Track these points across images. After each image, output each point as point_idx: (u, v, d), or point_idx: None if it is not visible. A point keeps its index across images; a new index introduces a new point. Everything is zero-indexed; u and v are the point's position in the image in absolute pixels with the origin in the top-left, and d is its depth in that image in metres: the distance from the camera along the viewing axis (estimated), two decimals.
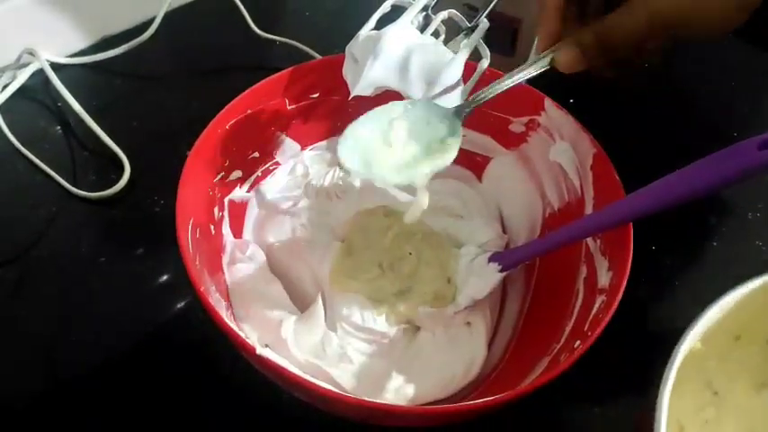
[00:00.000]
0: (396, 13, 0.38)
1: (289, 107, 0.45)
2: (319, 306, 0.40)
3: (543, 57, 0.36)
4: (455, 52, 0.37)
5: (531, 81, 0.37)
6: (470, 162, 0.49)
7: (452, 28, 0.39)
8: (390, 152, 0.34)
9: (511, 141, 0.47)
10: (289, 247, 0.44)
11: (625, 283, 0.34)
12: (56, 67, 0.60)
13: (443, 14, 0.38)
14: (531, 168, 0.46)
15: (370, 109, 0.35)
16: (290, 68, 0.44)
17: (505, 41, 0.55)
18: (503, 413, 0.32)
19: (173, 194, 0.36)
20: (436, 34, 0.38)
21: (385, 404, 0.35)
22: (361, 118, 0.34)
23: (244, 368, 0.36)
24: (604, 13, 0.35)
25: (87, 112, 0.56)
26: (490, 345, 0.42)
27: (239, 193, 0.45)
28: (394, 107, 0.35)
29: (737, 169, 0.29)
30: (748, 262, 0.50)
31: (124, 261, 0.48)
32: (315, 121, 0.48)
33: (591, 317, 0.35)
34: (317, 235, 0.44)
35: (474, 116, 0.46)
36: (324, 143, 0.49)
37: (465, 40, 0.39)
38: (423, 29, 0.38)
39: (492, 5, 0.39)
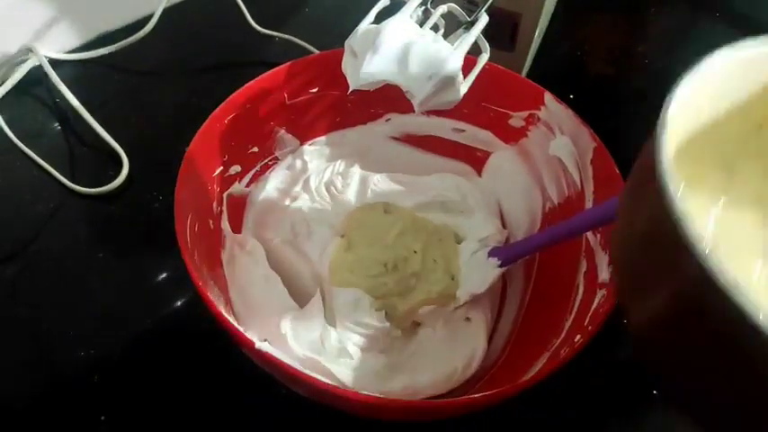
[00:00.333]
0: (395, 7, 0.38)
1: (288, 102, 0.45)
2: (318, 301, 0.40)
3: None
4: (454, 46, 0.37)
5: (530, 75, 0.37)
6: (470, 157, 0.49)
7: (452, 22, 0.38)
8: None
9: (511, 136, 0.47)
10: (288, 243, 0.44)
11: None
12: (54, 63, 0.59)
13: (443, 8, 0.38)
14: (530, 163, 0.46)
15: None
16: (288, 63, 0.44)
17: (505, 36, 0.54)
18: (503, 407, 0.32)
19: (171, 190, 0.36)
20: (436, 28, 0.38)
21: (385, 398, 0.34)
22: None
23: (243, 363, 0.35)
24: None
25: (85, 108, 0.56)
26: (490, 340, 0.42)
27: (238, 188, 0.45)
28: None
29: None
30: None
31: (123, 257, 0.48)
32: (314, 115, 0.47)
33: (591, 311, 0.35)
34: (316, 230, 0.44)
35: (473, 111, 0.47)
36: (323, 138, 0.49)
37: (465, 35, 0.38)
38: (422, 23, 0.37)
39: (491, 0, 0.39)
